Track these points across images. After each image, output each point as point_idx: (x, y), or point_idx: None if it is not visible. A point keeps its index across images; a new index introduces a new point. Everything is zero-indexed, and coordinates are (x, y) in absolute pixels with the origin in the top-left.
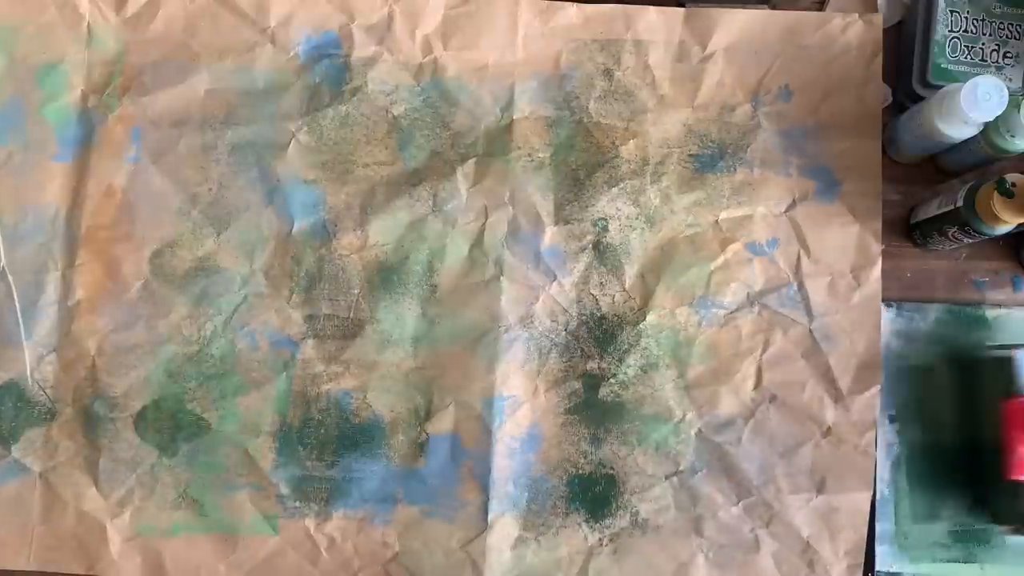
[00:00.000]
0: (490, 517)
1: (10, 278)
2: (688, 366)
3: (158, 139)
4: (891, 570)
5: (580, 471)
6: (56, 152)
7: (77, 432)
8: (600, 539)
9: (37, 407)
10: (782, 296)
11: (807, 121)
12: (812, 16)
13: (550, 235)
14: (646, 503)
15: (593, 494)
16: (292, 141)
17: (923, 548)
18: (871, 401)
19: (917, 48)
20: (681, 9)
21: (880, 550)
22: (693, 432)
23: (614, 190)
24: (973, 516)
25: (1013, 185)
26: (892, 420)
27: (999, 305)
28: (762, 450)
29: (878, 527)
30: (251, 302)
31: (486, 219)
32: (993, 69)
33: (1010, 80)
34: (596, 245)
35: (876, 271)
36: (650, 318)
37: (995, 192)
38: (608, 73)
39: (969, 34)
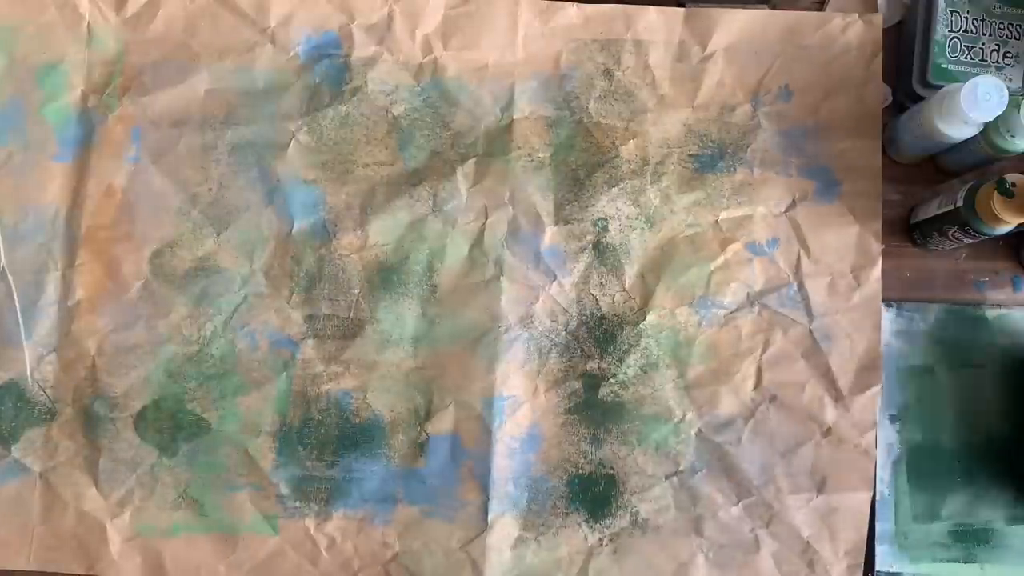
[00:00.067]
0: (490, 517)
1: (10, 278)
2: (688, 366)
3: (158, 139)
4: (891, 570)
5: (580, 471)
6: (56, 152)
7: (77, 432)
8: (600, 539)
9: (37, 407)
10: (782, 296)
11: (807, 121)
12: (812, 16)
13: (550, 235)
14: (646, 503)
15: (593, 494)
16: (292, 141)
17: (923, 548)
18: (871, 401)
19: (917, 48)
20: (681, 9)
21: (880, 550)
22: (693, 432)
23: (614, 190)
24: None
25: (1013, 185)
26: (892, 420)
27: (999, 305)
28: (762, 450)
29: (878, 527)
30: (251, 302)
31: (486, 219)
32: (993, 69)
33: (1010, 80)
34: (596, 245)
35: (876, 271)
36: (650, 318)
37: (995, 192)
38: (608, 73)
39: (969, 34)
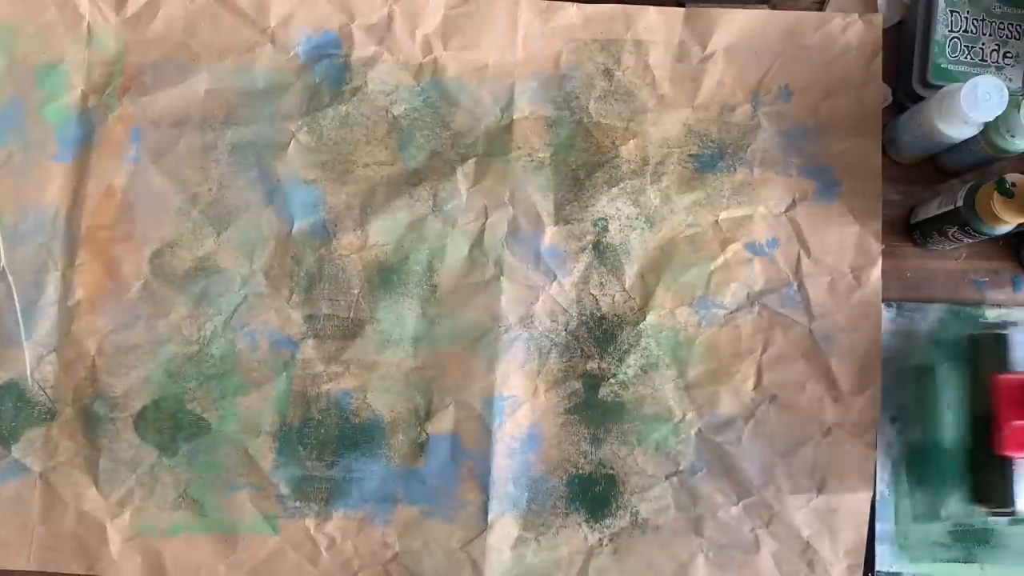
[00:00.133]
0: (490, 517)
1: (10, 278)
2: (688, 366)
3: (158, 139)
4: (891, 570)
5: (580, 471)
6: (56, 152)
7: (77, 432)
8: (600, 539)
9: (37, 407)
10: (782, 296)
11: (807, 121)
12: (812, 16)
13: (550, 235)
14: (646, 503)
15: (593, 494)
16: (292, 141)
17: (923, 548)
18: (871, 401)
19: (917, 48)
20: (681, 9)
21: (880, 550)
22: (693, 432)
23: (614, 190)
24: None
25: (1013, 185)
26: (892, 420)
27: (999, 305)
28: (762, 450)
29: (878, 527)
30: (251, 302)
31: (486, 219)
32: (993, 69)
33: (1010, 80)
34: (596, 245)
35: (876, 271)
36: (650, 318)
37: (995, 192)
38: (608, 73)
39: (969, 34)
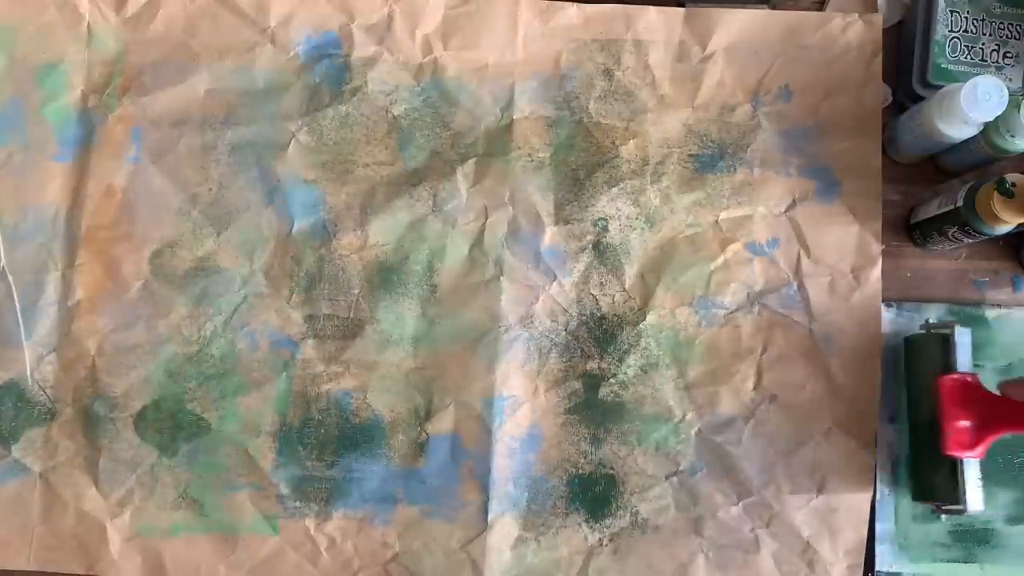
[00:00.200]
0: (490, 517)
1: (10, 278)
2: (688, 366)
3: (158, 139)
4: (891, 570)
5: (580, 471)
6: (56, 152)
7: (77, 432)
8: (600, 539)
9: (37, 407)
10: (782, 296)
11: (807, 121)
12: (812, 16)
13: (550, 235)
14: (646, 503)
15: (593, 494)
16: (292, 141)
17: (923, 548)
18: (871, 401)
19: (917, 48)
20: (681, 9)
21: (880, 550)
22: (693, 432)
23: (614, 190)
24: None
25: (1013, 185)
26: (892, 420)
27: (999, 305)
28: (762, 450)
29: (878, 527)
30: (251, 302)
31: (486, 219)
32: (993, 69)
33: (1010, 80)
34: (596, 245)
35: (876, 271)
36: (650, 318)
37: (995, 192)
38: (608, 73)
39: (969, 34)
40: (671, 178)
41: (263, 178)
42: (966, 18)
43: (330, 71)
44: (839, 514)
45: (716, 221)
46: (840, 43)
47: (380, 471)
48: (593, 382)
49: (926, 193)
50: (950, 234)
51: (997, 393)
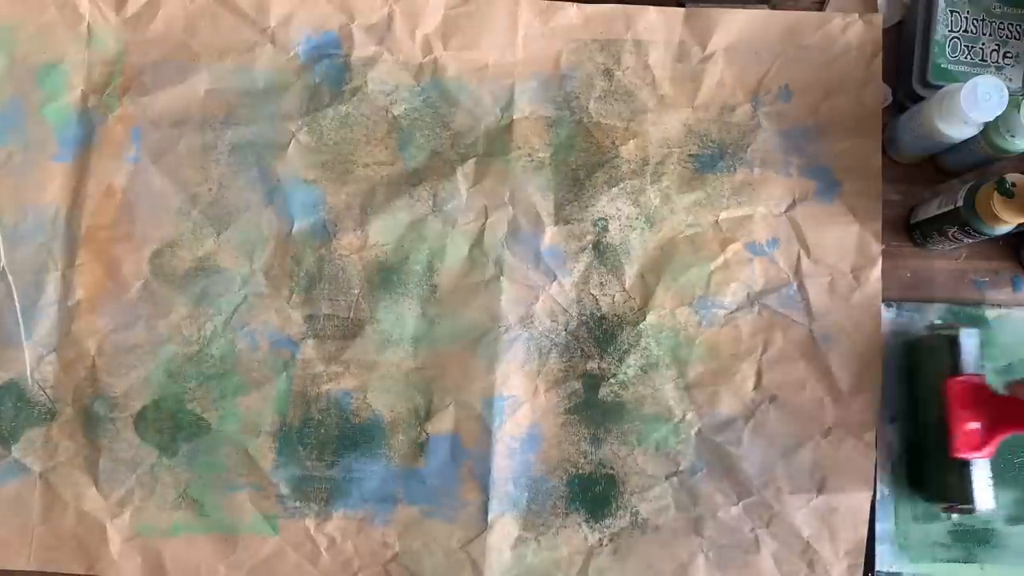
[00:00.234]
0: (490, 517)
1: (10, 278)
2: (688, 366)
3: (158, 139)
4: (891, 570)
5: (580, 471)
6: (56, 152)
7: (77, 432)
8: (600, 539)
9: (37, 407)
10: (782, 296)
11: (807, 121)
12: (812, 16)
13: (550, 235)
14: (646, 503)
15: (593, 494)
16: (292, 141)
17: (923, 548)
18: (871, 401)
19: (917, 48)
20: (681, 9)
21: (880, 550)
22: (693, 432)
23: (614, 190)
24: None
25: (1013, 185)
26: (892, 420)
27: (999, 305)
28: (762, 450)
29: (878, 527)
30: (251, 302)
31: (486, 219)
32: (993, 69)
33: (1010, 80)
34: (596, 245)
35: (876, 271)
36: (650, 318)
37: (995, 192)
38: (608, 73)
39: (969, 34)
40: (671, 178)
41: (263, 178)
42: (966, 18)
43: (330, 71)
44: (839, 514)
45: (716, 221)
46: (840, 43)
47: (380, 471)
48: (593, 382)
49: (926, 193)
50: (950, 234)
51: (1004, 393)
